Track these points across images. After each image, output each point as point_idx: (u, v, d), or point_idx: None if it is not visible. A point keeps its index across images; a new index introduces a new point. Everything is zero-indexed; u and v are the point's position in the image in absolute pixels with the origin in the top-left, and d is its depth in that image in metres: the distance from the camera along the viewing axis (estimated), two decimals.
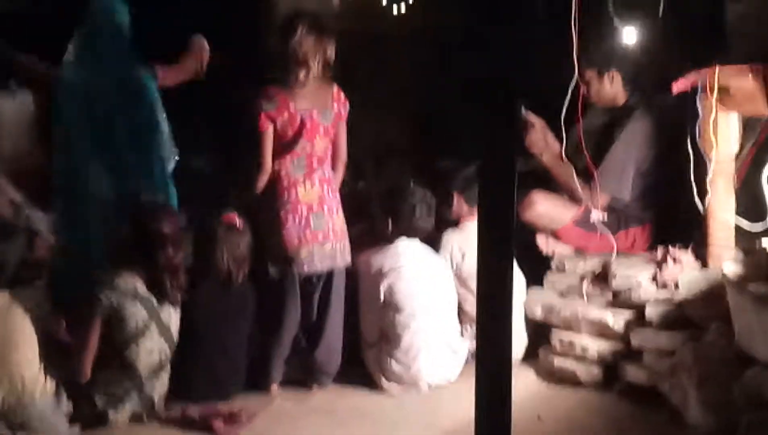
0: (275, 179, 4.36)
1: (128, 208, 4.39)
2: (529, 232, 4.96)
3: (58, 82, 4.60)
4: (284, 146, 4.33)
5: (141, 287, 4.10)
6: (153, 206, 4.39)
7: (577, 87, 4.52)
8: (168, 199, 4.64)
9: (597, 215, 4.81)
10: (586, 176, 4.81)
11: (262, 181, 4.37)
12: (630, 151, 4.85)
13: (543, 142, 4.94)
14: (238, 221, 4.36)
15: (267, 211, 4.38)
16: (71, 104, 4.58)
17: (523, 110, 4.96)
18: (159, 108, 4.68)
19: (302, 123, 4.30)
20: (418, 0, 5.87)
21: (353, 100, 4.56)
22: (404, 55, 7.24)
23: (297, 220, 4.33)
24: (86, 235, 4.57)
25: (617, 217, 4.88)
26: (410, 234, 4.64)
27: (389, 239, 4.64)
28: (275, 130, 4.30)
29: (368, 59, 7.10)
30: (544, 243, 4.98)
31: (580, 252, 4.91)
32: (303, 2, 7.05)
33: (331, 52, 4.33)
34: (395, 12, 5.98)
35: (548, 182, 5.03)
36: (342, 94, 4.47)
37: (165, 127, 4.68)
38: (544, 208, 4.90)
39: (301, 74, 4.27)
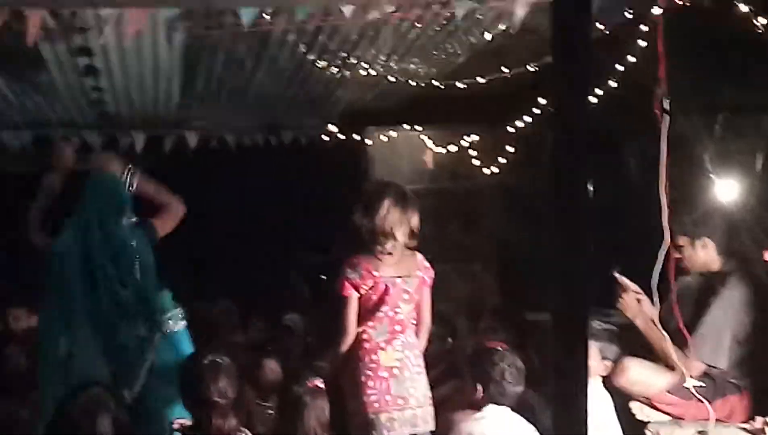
0: (358, 343, 4.36)
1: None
2: (625, 398, 4.83)
3: (53, 255, 4.69)
4: (368, 312, 4.35)
5: None
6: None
7: (669, 252, 4.45)
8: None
9: (692, 383, 4.65)
10: (681, 341, 4.67)
11: (345, 344, 4.37)
12: (726, 319, 4.69)
13: (636, 306, 4.85)
14: (322, 386, 4.34)
15: (348, 374, 4.37)
16: (64, 278, 4.64)
17: (617, 274, 4.90)
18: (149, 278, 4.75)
19: (386, 290, 4.33)
20: (510, 161, 5.95)
21: (445, 255, 4.56)
22: (495, 210, 7.31)
23: (378, 385, 4.30)
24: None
25: (714, 385, 4.70)
26: (499, 400, 4.54)
27: (477, 406, 4.55)
28: (359, 296, 4.34)
29: (460, 215, 7.20)
30: (639, 410, 4.84)
31: (676, 420, 4.74)
32: (397, 166, 7.27)
33: (415, 222, 4.37)
34: (487, 172, 6.07)
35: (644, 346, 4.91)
36: (426, 262, 4.48)
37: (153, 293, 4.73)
38: (638, 375, 4.77)
39: (388, 245, 4.32)
